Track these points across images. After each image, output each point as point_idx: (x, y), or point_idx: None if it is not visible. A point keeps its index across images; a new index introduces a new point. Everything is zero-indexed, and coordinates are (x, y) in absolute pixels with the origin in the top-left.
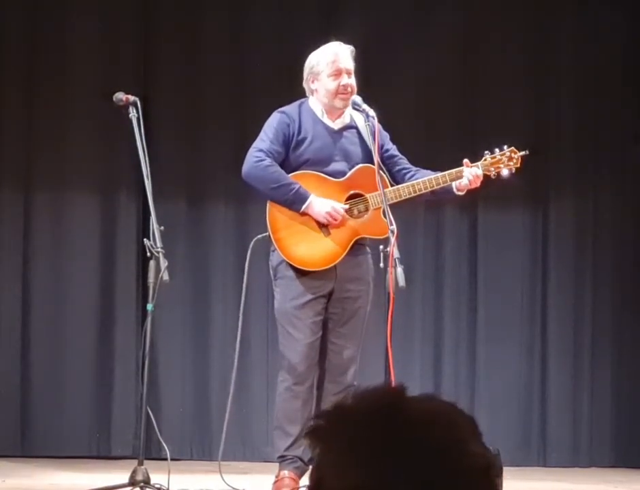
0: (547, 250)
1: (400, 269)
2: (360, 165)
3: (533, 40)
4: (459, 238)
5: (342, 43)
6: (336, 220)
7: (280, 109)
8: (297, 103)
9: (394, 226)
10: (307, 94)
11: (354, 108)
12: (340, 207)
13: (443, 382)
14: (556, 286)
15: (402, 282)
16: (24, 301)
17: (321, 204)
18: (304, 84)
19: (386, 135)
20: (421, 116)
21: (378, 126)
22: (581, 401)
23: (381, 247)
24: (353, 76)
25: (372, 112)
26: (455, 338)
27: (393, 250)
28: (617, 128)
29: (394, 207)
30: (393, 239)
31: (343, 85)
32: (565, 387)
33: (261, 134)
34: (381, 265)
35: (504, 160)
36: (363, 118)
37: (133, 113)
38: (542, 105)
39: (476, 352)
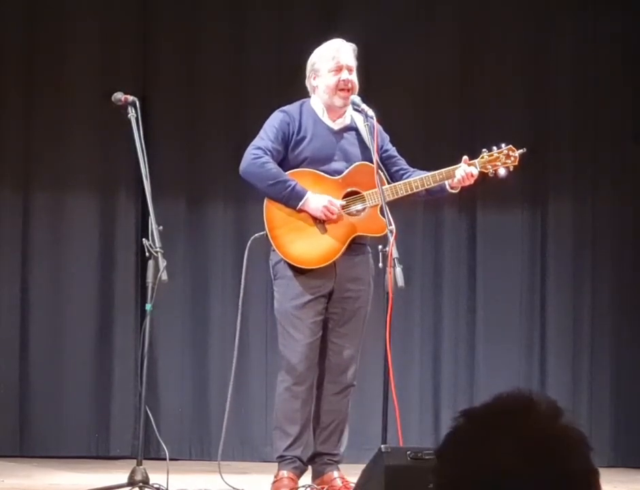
0: (546, 250)
1: (398, 269)
2: (357, 163)
3: (532, 40)
4: (458, 238)
5: (344, 40)
6: (332, 214)
7: (281, 109)
8: (298, 102)
9: (393, 226)
10: (309, 94)
11: (353, 109)
12: (337, 202)
13: (442, 382)
14: (555, 286)
15: (400, 282)
16: (23, 301)
17: (318, 200)
18: (306, 82)
19: (386, 137)
20: (420, 116)
21: (378, 126)
22: (581, 400)
23: (380, 247)
24: (354, 73)
25: (370, 112)
26: (454, 338)
27: (392, 250)
28: (616, 127)
29: (393, 207)
30: (392, 239)
31: (343, 80)
32: (564, 387)
33: (261, 132)
34: (380, 265)
35: (501, 158)
36: (362, 119)
37: (132, 114)
38: (542, 104)
39: (475, 352)
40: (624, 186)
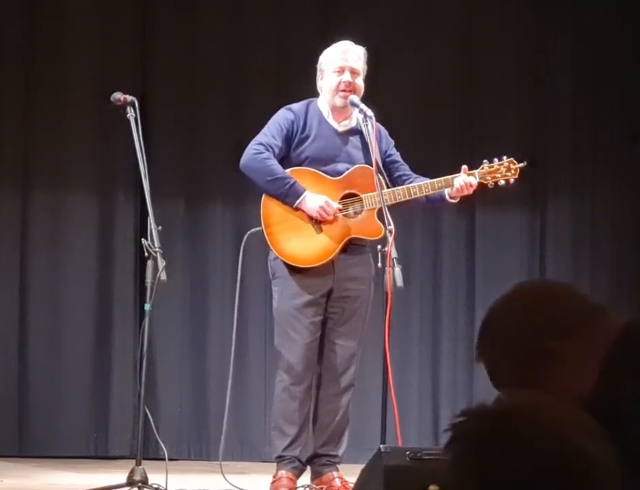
0: (545, 251)
1: (397, 269)
2: (358, 165)
3: (532, 42)
4: (457, 238)
5: (353, 43)
6: (328, 215)
7: (287, 106)
8: (305, 101)
9: (392, 227)
10: (319, 94)
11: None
12: (334, 204)
13: (441, 382)
14: None
15: (399, 282)
16: (22, 301)
17: (315, 199)
18: (317, 82)
19: (391, 142)
20: (420, 119)
21: (384, 131)
22: None
23: (379, 247)
24: (359, 78)
25: (369, 112)
26: (452, 338)
27: (391, 250)
28: (615, 128)
29: (391, 208)
30: (391, 239)
31: (343, 82)
32: None
33: (265, 128)
34: (379, 264)
35: (502, 171)
36: (361, 118)
37: (130, 113)
38: (541, 105)
39: (474, 353)
40: (623, 186)
